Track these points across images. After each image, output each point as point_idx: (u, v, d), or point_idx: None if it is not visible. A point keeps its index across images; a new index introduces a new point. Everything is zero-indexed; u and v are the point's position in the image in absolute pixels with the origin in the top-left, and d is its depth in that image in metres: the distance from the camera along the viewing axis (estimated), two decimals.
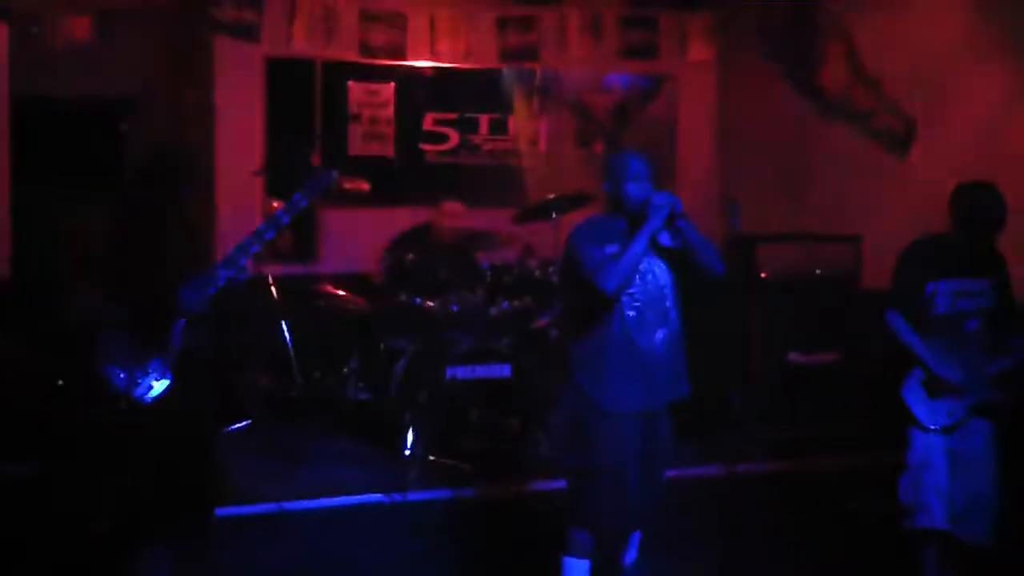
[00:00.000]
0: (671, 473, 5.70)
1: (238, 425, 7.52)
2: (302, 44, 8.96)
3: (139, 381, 4.58)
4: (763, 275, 7.73)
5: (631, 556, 5.36)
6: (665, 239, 4.98)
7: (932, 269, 5.21)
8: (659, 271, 4.96)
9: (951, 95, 7.42)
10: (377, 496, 6.57)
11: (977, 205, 5.14)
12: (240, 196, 8.24)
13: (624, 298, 4.88)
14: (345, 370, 7.83)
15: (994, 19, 7.01)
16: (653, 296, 4.93)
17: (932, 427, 5.23)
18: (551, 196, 7.55)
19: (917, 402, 5.26)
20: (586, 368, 5.03)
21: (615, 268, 4.78)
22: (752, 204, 8.84)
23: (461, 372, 7.09)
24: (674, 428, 5.14)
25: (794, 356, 7.72)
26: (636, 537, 5.34)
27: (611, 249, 4.84)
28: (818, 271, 7.83)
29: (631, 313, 4.90)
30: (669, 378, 4.97)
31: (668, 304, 4.96)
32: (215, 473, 5.14)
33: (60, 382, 5.51)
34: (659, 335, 4.92)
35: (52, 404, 5.60)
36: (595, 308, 4.95)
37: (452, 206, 7.94)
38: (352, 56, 9.16)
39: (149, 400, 4.59)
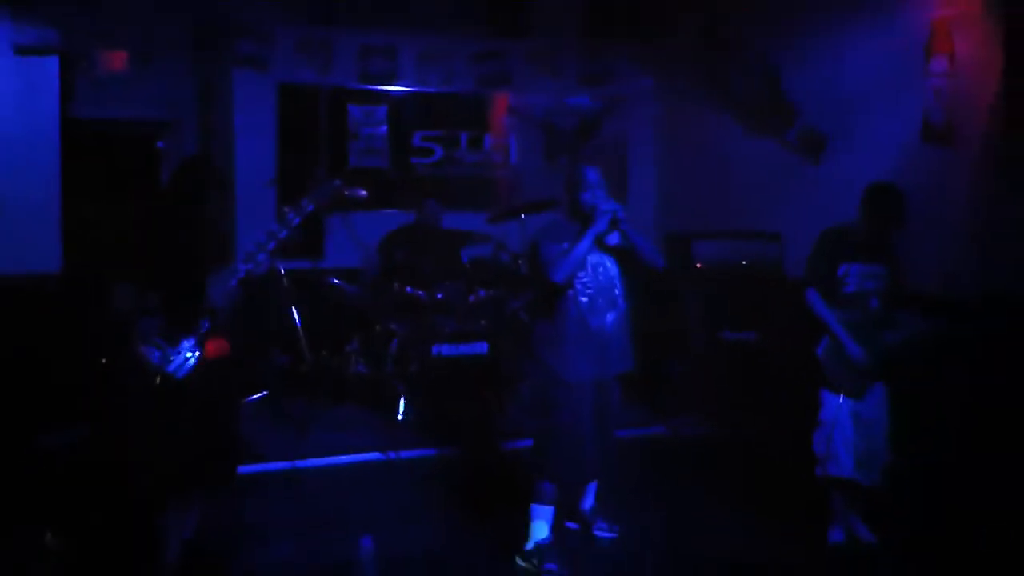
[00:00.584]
0: (623, 433, 5.81)
1: (256, 396, 7.55)
2: (308, 73, 8.98)
3: (171, 359, 4.59)
4: (698, 266, 7.74)
5: (589, 502, 5.47)
6: (613, 239, 5.12)
7: (844, 254, 5.28)
8: (609, 265, 5.11)
9: (857, 110, 7.42)
10: (375, 454, 6.61)
11: (883, 203, 5.23)
12: (256, 202, 8.24)
13: (579, 286, 5.02)
14: (347, 349, 7.86)
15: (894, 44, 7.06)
16: (603, 285, 5.07)
17: (841, 390, 5.34)
18: (520, 202, 7.60)
19: (830, 369, 5.36)
20: (547, 345, 5.14)
21: (563, 262, 4.93)
22: (689, 206, 8.93)
23: (445, 350, 7.14)
24: (624, 395, 5.28)
25: (725, 334, 7.75)
26: (593, 486, 5.45)
27: (565, 246, 4.96)
28: (744, 262, 7.86)
29: (584, 299, 5.04)
30: (618, 354, 5.12)
31: (616, 292, 5.11)
32: (237, 436, 5.16)
33: (103, 360, 5.51)
34: (609, 317, 5.06)
35: (99, 379, 5.60)
36: (555, 295, 5.06)
37: (430, 203, 8.00)
38: (351, 83, 9.18)
39: (181, 375, 4.63)
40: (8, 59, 7.87)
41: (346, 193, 5.15)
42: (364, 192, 5.65)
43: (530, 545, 5.05)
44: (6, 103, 7.87)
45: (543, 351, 5.17)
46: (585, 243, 4.95)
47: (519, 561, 5.03)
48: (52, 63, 8.01)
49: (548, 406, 5.12)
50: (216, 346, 4.76)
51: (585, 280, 5.05)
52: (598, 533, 5.50)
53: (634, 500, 5.81)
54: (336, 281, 7.88)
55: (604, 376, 5.11)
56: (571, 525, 5.53)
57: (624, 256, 5.16)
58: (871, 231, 5.27)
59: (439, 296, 7.37)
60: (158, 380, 4.57)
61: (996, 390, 5.70)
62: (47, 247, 7.94)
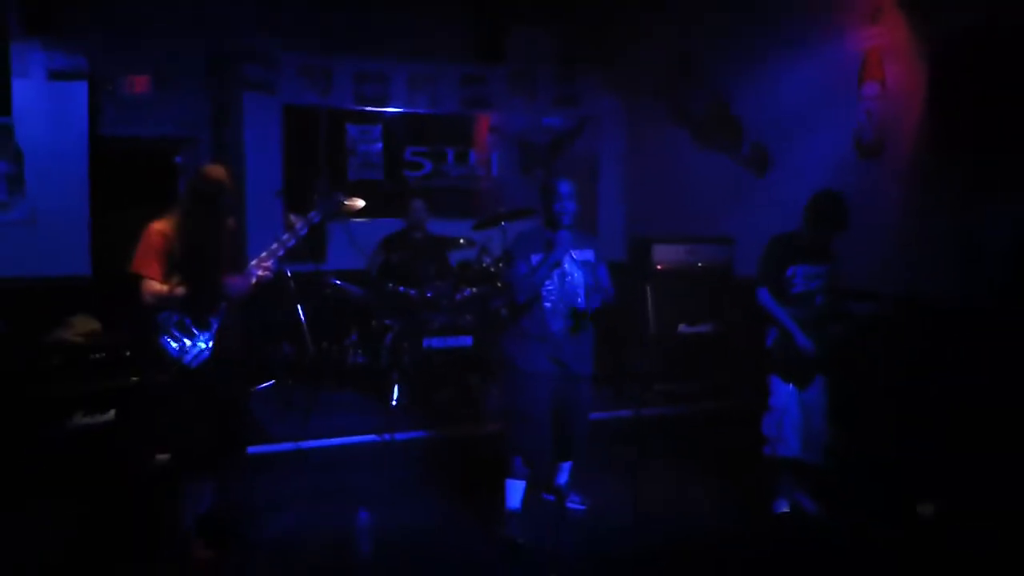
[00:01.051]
0: (598, 416, 5.80)
1: (265, 384, 7.51)
2: (311, 96, 8.94)
3: (188, 351, 4.58)
4: (659, 267, 7.72)
5: (562, 478, 5.45)
6: (582, 255, 5.10)
7: (791, 257, 5.30)
8: (577, 276, 5.06)
9: (798, 129, 7.43)
10: (372, 436, 6.57)
11: (825, 209, 5.22)
12: (265, 211, 8.20)
13: (544, 293, 5.01)
14: (346, 342, 7.83)
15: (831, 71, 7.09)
16: (568, 293, 5.04)
17: (789, 378, 5.34)
18: (501, 210, 7.59)
19: (779, 359, 5.36)
20: (512, 340, 5.16)
21: (524, 286, 4.97)
22: (651, 213, 8.93)
23: (435, 343, 7.12)
24: (595, 388, 5.27)
25: (683, 328, 7.75)
26: (567, 465, 5.42)
27: (536, 258, 4.98)
28: (700, 264, 7.84)
29: (548, 304, 5.03)
30: (574, 356, 5.06)
31: (579, 301, 5.05)
32: (247, 420, 5.13)
33: (127, 352, 5.47)
34: (568, 322, 5.04)
35: (124, 369, 5.56)
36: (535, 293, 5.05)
37: (417, 203, 7.94)
38: (349, 104, 9.14)
39: (195, 365, 4.60)
40: (42, 83, 7.82)
41: (346, 203, 5.13)
42: (361, 202, 5.62)
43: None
44: (40, 123, 7.82)
45: (508, 344, 5.18)
46: (542, 272, 4.97)
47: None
48: (81, 87, 7.96)
49: (512, 393, 5.14)
50: (230, 339, 4.73)
51: (550, 288, 5.02)
52: (570, 506, 5.50)
53: (604, 474, 5.83)
54: (337, 281, 7.84)
55: (563, 372, 5.05)
56: (548, 497, 5.52)
57: (591, 272, 5.13)
58: (815, 235, 5.27)
59: (429, 294, 7.34)
60: (176, 370, 4.54)
61: (922, 376, 5.73)
62: (78, 252, 7.92)
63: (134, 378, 5.34)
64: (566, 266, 5.05)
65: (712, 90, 8.48)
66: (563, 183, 5.11)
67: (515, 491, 5.15)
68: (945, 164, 5.90)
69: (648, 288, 7.68)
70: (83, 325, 6.33)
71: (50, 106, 7.87)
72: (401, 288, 7.39)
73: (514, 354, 5.11)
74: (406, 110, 9.34)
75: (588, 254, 5.13)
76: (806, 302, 5.32)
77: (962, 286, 5.51)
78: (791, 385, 5.31)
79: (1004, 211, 5.51)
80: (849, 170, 6.82)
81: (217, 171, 4.74)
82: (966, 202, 5.64)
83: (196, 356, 4.58)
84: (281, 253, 4.74)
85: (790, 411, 5.30)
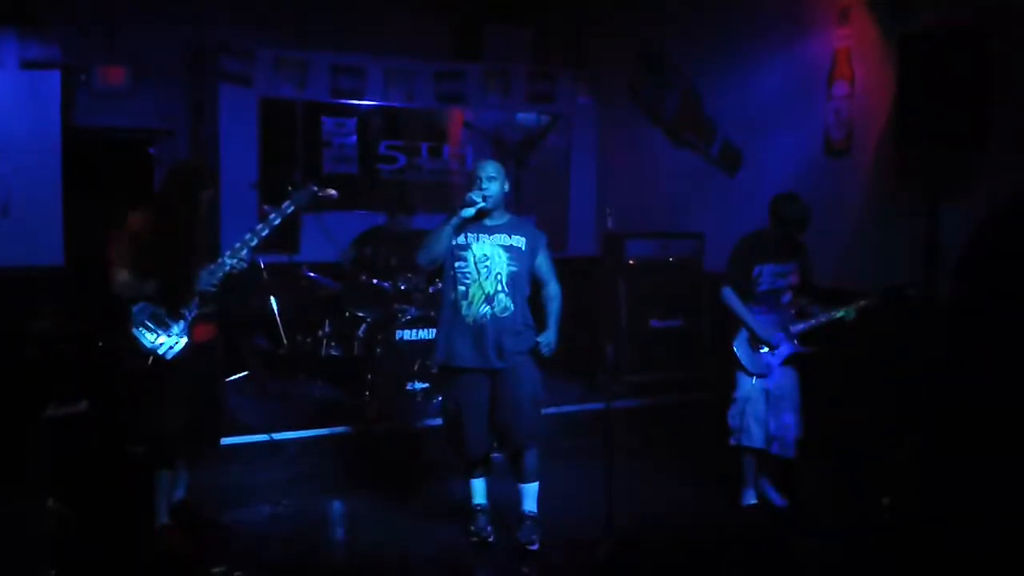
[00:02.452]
0: (570, 408, 5.76)
1: (239, 375, 7.47)
2: (287, 89, 8.92)
3: (162, 342, 4.57)
4: (631, 262, 7.74)
5: (527, 505, 5.04)
6: (507, 239, 4.79)
7: (757, 256, 5.34)
8: (499, 260, 4.75)
9: (769, 128, 7.51)
10: (344, 427, 6.56)
11: (788, 210, 5.28)
12: (240, 203, 8.15)
13: (458, 275, 4.75)
14: (320, 334, 7.77)
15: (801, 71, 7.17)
16: (484, 278, 4.72)
17: (753, 372, 5.41)
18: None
19: (744, 355, 5.41)
20: (439, 329, 4.94)
21: (425, 245, 4.74)
22: (623, 210, 8.97)
23: (407, 334, 7.11)
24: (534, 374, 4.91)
25: (653, 321, 7.77)
26: (529, 489, 5.03)
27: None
28: (671, 259, 7.86)
29: (461, 288, 4.75)
30: (493, 347, 4.74)
31: (500, 288, 4.73)
32: (221, 411, 5.12)
33: (100, 343, 5.45)
34: (483, 310, 4.72)
35: (98, 360, 5.55)
36: (444, 280, 4.89)
37: (400, 217, 7.91)
38: (325, 97, 9.11)
39: (170, 357, 4.59)
40: (15, 73, 7.71)
41: (320, 195, 5.11)
42: (335, 193, 5.60)
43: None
44: (13, 113, 7.72)
45: (437, 333, 4.98)
46: (446, 230, 4.69)
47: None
48: (54, 77, 7.84)
49: (442, 387, 5.09)
50: (203, 330, 4.73)
51: (466, 270, 4.73)
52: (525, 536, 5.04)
53: (575, 464, 5.82)
54: (311, 273, 7.83)
55: (485, 365, 4.75)
56: None
57: (520, 259, 4.81)
58: (780, 235, 5.33)
59: (402, 287, 7.33)
60: (150, 361, 4.53)
61: (889, 370, 5.81)
62: (51, 243, 7.82)
63: (107, 369, 5.32)
64: (486, 248, 4.75)
65: (684, 89, 8.53)
66: (485, 165, 4.83)
67: (477, 488, 5.09)
68: (909, 162, 5.98)
69: (620, 282, 7.72)
70: (56, 316, 6.31)
71: (23, 96, 7.75)
72: (374, 280, 7.39)
73: (439, 347, 4.89)
74: (382, 104, 9.31)
75: (519, 240, 4.81)
76: (772, 300, 5.39)
77: (925, 282, 5.58)
78: (754, 378, 5.36)
79: (964, 209, 5.59)
80: (818, 168, 6.90)
81: (196, 165, 4.75)
82: (929, 200, 5.71)
83: (169, 347, 4.56)
84: (255, 243, 4.71)
85: (753, 402, 5.35)
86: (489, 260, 4.74)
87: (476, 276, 4.73)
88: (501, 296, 4.75)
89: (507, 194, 4.85)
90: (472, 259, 4.74)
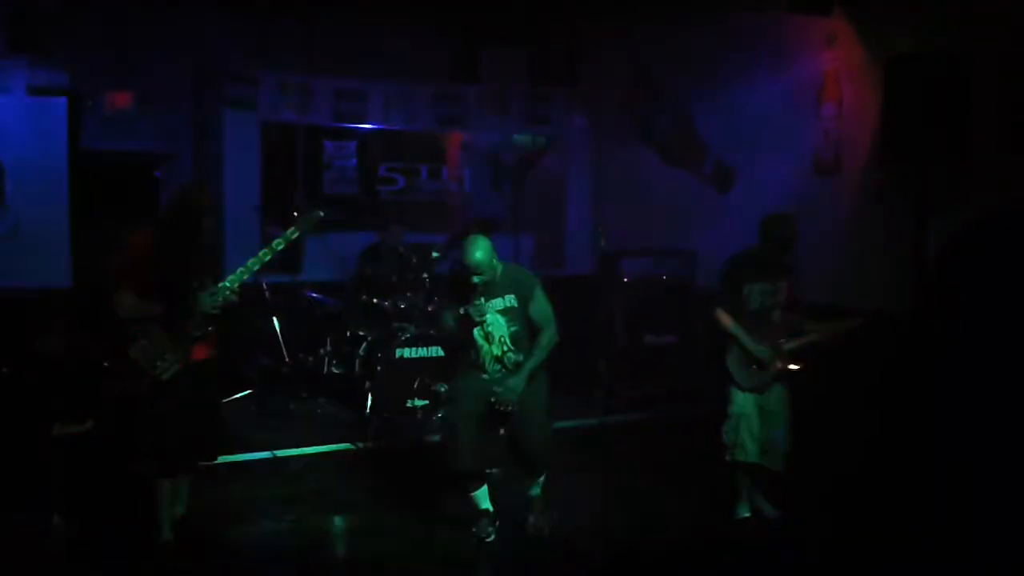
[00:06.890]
0: (569, 423, 5.81)
1: (242, 393, 7.46)
2: (289, 113, 8.94)
3: (160, 363, 4.53)
4: (625, 279, 7.77)
5: (534, 490, 5.37)
6: (507, 302, 5.02)
7: (747, 275, 5.32)
8: (500, 326, 5.01)
9: (759, 148, 7.52)
10: (345, 444, 6.56)
11: (778, 230, 5.28)
12: (243, 225, 8.17)
13: (471, 340, 5.04)
14: (321, 352, 7.79)
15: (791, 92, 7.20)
16: (491, 343, 5.02)
17: (747, 388, 5.39)
18: (469, 222, 7.60)
19: (737, 370, 5.41)
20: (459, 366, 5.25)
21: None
22: (617, 229, 8.96)
23: (407, 352, 7.11)
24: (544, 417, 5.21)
25: (647, 337, 7.80)
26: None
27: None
28: (664, 276, 7.90)
29: (474, 353, 5.07)
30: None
31: (506, 349, 5.01)
32: (219, 429, 5.11)
33: (105, 364, 5.44)
34: (496, 368, 5.03)
35: (103, 380, 5.53)
36: (466, 338, 5.11)
37: (394, 228, 7.96)
38: (327, 121, 9.13)
39: (167, 377, 4.55)
40: (23, 99, 7.76)
41: (323, 216, 5.09)
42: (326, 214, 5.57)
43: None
44: (21, 138, 7.77)
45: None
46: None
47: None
48: (62, 102, 7.90)
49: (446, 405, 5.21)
50: (203, 350, 4.72)
51: (475, 341, 5.03)
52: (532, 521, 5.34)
53: (574, 478, 5.76)
54: (313, 294, 7.84)
55: (489, 398, 4.95)
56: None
57: (516, 315, 5.05)
58: (769, 253, 5.33)
59: (402, 306, 7.34)
60: (150, 380, 4.52)
61: (877, 387, 5.81)
62: (59, 265, 7.84)
63: (112, 388, 5.32)
64: (488, 317, 4.98)
65: (677, 110, 8.56)
66: (466, 248, 4.94)
67: (480, 497, 5.16)
68: (896, 180, 6.00)
69: (615, 300, 7.72)
70: (64, 335, 6.30)
71: (31, 121, 7.80)
72: (375, 299, 7.39)
73: (457, 378, 5.24)
74: (382, 127, 9.33)
75: (511, 300, 5.03)
76: (763, 318, 5.37)
77: (912, 296, 5.60)
78: (748, 394, 5.35)
79: (949, 224, 5.62)
80: (808, 187, 6.92)
81: (200, 190, 4.77)
82: (916, 216, 5.73)
83: (167, 368, 4.55)
84: (257, 268, 4.71)
85: (747, 418, 5.32)
86: (491, 327, 5.00)
87: (485, 344, 5.03)
88: (510, 355, 5.03)
89: (494, 254, 4.99)
90: (479, 333, 5.02)
